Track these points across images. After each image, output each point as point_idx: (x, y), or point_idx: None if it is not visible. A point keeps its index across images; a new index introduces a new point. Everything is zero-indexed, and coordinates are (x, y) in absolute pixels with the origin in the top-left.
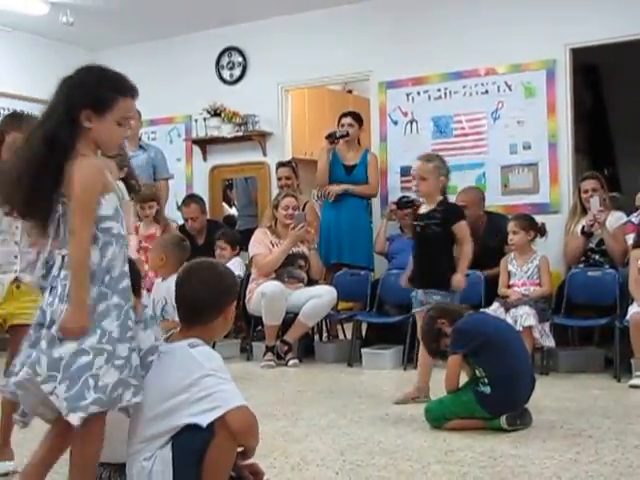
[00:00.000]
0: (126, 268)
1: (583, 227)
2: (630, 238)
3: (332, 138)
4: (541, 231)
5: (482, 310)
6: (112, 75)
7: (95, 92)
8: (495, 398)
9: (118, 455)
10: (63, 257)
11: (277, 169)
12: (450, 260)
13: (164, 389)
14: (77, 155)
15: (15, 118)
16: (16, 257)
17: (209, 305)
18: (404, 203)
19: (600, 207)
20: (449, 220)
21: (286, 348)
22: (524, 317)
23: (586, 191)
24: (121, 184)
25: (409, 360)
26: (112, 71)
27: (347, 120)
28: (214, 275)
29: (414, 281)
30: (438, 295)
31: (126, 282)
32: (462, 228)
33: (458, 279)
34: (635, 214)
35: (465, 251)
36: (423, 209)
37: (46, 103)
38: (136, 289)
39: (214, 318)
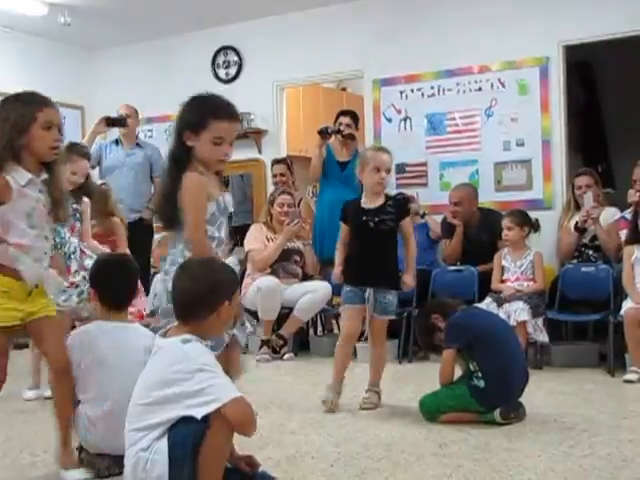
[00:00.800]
0: None
1: (577, 223)
2: (624, 234)
3: (324, 134)
4: (535, 227)
5: (475, 305)
6: (211, 100)
7: (191, 115)
8: (489, 392)
9: (118, 446)
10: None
11: (272, 166)
12: (396, 257)
13: (157, 380)
14: (191, 169)
15: (42, 96)
16: (46, 253)
17: (199, 302)
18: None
19: (593, 203)
20: (401, 215)
21: (281, 342)
22: (518, 312)
23: (580, 187)
24: (228, 196)
25: (404, 354)
26: (213, 97)
27: (346, 120)
28: (206, 272)
29: (360, 279)
30: (390, 295)
31: None
32: (409, 223)
33: (409, 279)
34: (628, 210)
35: (412, 247)
36: (370, 204)
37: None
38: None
39: (206, 316)
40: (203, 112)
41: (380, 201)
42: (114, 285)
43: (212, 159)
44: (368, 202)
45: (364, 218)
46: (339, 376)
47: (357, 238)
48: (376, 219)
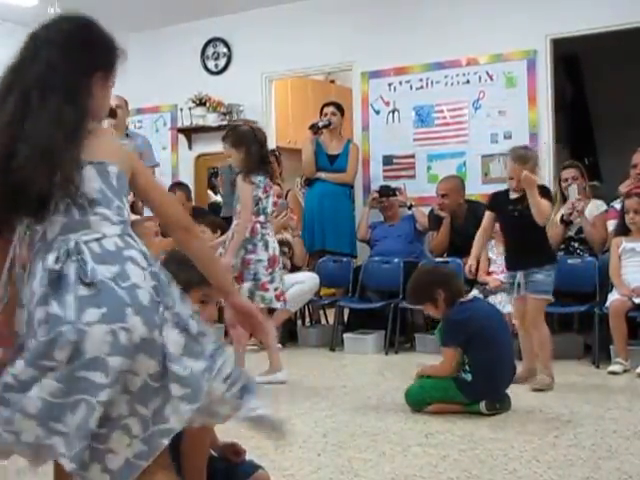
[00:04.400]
0: None
1: (562, 216)
2: (612, 224)
3: (315, 128)
4: None
5: (474, 295)
6: None
7: None
8: (475, 386)
9: None
10: None
11: None
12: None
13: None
14: None
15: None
16: None
17: None
18: (386, 191)
19: (578, 195)
20: None
21: None
22: (503, 304)
23: (565, 179)
24: None
25: (390, 345)
26: None
27: (330, 109)
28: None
29: (512, 266)
30: (540, 274)
31: None
32: None
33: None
34: (618, 200)
35: None
36: (514, 195)
37: None
38: None
39: None
40: None
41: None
42: None
43: None
44: (512, 193)
45: (512, 208)
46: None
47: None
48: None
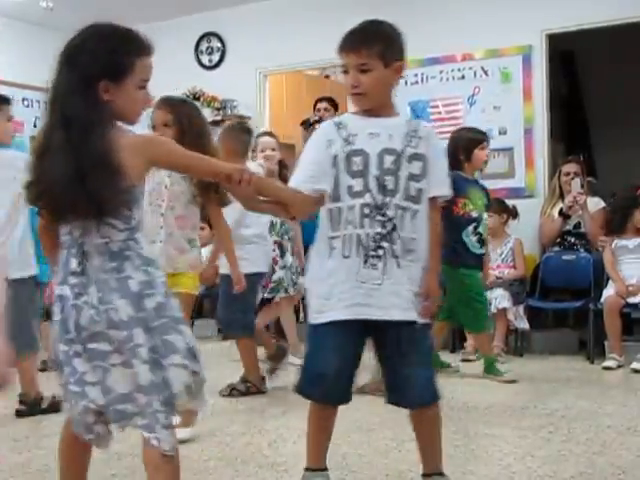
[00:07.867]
0: None
1: (561, 209)
2: None
3: (307, 125)
4: (513, 213)
5: None
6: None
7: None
8: None
9: None
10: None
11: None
12: None
13: None
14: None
15: None
16: (161, 228)
17: None
18: None
19: (580, 189)
20: None
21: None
22: (498, 299)
23: (568, 173)
24: None
25: None
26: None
27: (323, 105)
28: None
29: None
30: None
31: None
32: None
33: None
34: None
35: None
36: None
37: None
38: None
39: None
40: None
41: None
42: None
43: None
44: None
45: None
46: None
47: None
48: None
